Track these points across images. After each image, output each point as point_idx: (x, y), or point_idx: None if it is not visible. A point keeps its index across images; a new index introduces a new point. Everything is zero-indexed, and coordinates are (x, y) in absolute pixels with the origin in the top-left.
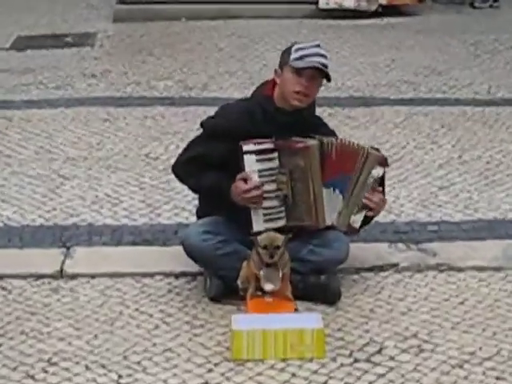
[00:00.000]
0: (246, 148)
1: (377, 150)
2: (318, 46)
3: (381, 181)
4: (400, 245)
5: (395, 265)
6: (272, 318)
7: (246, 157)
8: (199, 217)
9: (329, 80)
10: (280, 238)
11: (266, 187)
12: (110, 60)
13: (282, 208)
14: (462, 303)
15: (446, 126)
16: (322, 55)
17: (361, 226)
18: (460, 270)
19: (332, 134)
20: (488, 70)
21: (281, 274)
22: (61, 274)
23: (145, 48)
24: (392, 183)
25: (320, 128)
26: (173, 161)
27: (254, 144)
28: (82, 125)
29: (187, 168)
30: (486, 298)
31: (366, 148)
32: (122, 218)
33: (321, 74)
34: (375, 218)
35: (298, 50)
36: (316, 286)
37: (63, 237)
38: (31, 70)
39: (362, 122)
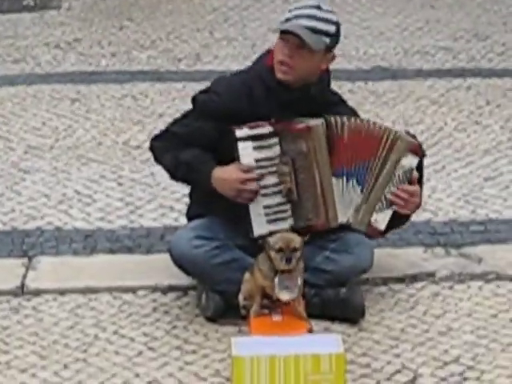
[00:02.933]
0: (239, 133)
1: (412, 136)
2: (318, 7)
3: (418, 174)
4: (437, 249)
5: (432, 274)
6: (281, 340)
7: (240, 144)
8: (190, 218)
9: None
10: (297, 239)
11: (266, 181)
12: (80, 26)
13: (287, 206)
14: None
15: (492, 103)
16: (314, 17)
17: (388, 229)
18: (511, 279)
19: (352, 114)
20: None
21: (300, 281)
22: (22, 290)
23: (123, 11)
24: (427, 173)
25: (335, 107)
26: None
27: (249, 128)
28: (45, 106)
29: (167, 143)
30: None
31: (394, 131)
32: (96, 221)
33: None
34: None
35: (291, 10)
36: (334, 301)
37: (24, 244)
38: None
39: (390, 99)
